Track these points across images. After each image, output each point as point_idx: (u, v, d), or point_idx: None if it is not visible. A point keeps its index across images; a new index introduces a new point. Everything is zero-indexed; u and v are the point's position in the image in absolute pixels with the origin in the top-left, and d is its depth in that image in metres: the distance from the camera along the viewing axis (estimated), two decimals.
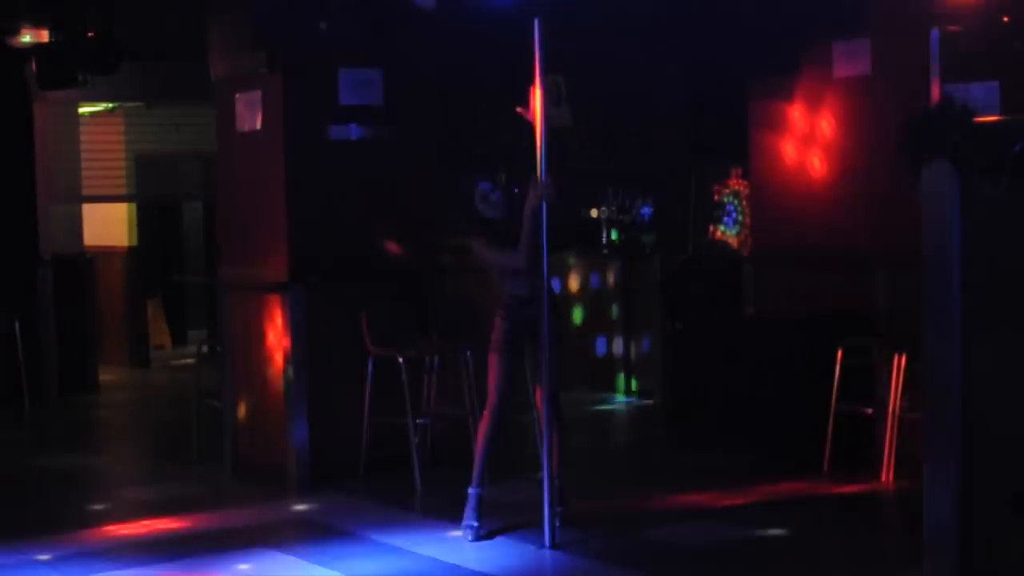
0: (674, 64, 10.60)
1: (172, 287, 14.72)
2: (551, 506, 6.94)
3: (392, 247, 8.76)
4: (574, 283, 12.03)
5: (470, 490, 7.20)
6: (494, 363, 7.20)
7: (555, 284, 11.52)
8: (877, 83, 8.69)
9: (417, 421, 8.45)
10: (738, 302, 9.57)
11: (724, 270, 10.05)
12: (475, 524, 7.13)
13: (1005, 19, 7.76)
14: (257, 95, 8.68)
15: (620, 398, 11.57)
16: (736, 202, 10.49)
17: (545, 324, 6.95)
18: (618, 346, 11.73)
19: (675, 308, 10.48)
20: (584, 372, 11.94)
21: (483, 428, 7.23)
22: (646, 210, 12.19)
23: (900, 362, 8.05)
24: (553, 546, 6.86)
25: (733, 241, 10.52)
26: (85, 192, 13.42)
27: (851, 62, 8.82)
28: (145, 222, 15.13)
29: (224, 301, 9.14)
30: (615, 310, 11.74)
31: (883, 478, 8.09)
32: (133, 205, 14.88)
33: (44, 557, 6.99)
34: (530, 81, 6.93)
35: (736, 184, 10.46)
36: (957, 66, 7.98)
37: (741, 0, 8.99)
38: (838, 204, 8.95)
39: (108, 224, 14.58)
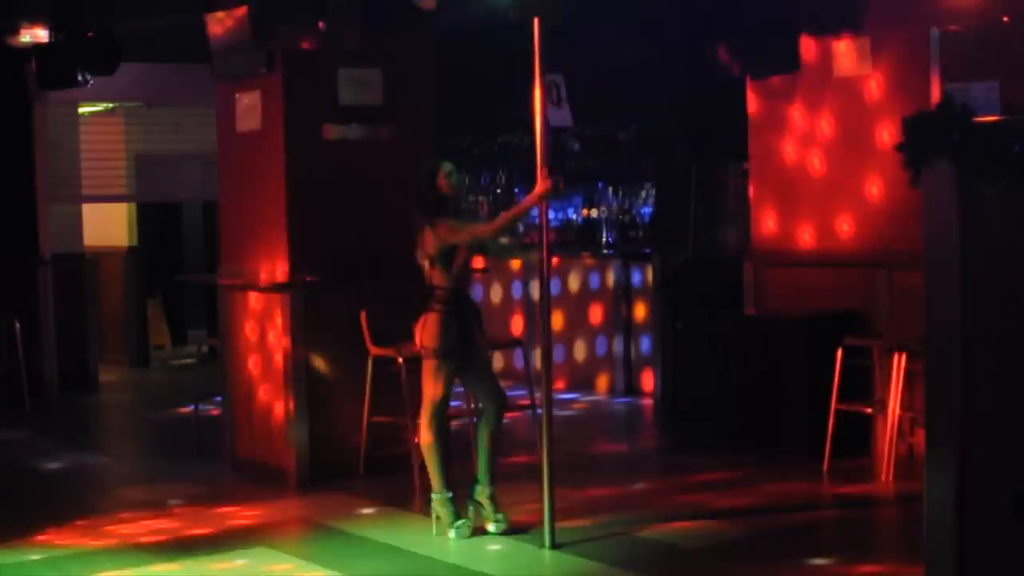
0: (674, 63, 10.58)
1: (172, 287, 14.71)
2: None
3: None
4: (574, 283, 12.03)
5: (438, 496, 7.15)
6: (429, 369, 7.09)
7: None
8: (877, 83, 8.69)
9: (417, 421, 8.44)
10: (738, 302, 9.57)
11: (724, 270, 10.04)
12: (461, 522, 7.13)
13: (1005, 19, 7.77)
14: (257, 95, 8.68)
15: (620, 398, 11.57)
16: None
17: (546, 324, 6.97)
18: (618, 346, 11.72)
19: (675, 308, 10.49)
20: (584, 372, 11.94)
21: (428, 438, 7.13)
22: (646, 210, 12.20)
23: (900, 362, 8.05)
24: (553, 546, 6.86)
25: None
26: (85, 192, 13.41)
27: (851, 62, 8.81)
28: (145, 222, 15.11)
29: (224, 301, 9.14)
30: (615, 310, 11.73)
31: (883, 478, 8.09)
32: (133, 205, 14.87)
33: (43, 557, 7.00)
34: (529, 80, 6.92)
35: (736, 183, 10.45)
36: (957, 66, 7.99)
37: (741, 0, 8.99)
38: (838, 204, 8.95)
39: (108, 224, 14.57)
